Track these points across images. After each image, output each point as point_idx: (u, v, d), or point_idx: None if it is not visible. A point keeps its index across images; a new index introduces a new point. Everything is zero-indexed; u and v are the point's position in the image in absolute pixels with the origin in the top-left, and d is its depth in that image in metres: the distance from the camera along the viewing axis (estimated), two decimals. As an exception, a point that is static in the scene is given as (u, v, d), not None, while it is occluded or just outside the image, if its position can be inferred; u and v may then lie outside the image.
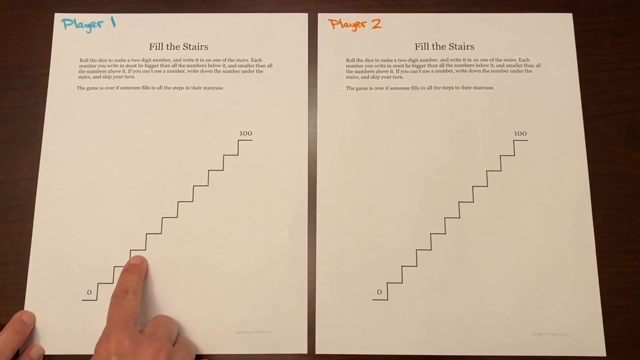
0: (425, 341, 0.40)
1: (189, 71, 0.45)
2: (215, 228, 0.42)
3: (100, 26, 0.46)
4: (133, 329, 0.36)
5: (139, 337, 0.35)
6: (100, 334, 0.39)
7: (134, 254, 0.41)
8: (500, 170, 0.43)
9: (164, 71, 0.45)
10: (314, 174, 0.43)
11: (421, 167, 0.43)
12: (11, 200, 0.43)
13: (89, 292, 0.41)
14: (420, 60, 0.45)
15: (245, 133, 0.44)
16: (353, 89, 0.45)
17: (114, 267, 0.41)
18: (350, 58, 0.45)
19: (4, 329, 0.39)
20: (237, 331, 0.40)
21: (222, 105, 0.44)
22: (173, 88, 0.44)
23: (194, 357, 0.39)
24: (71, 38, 0.46)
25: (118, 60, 0.45)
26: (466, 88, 0.44)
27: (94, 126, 0.44)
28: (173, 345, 0.37)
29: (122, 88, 0.45)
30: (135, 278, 0.39)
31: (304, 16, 0.46)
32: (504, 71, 0.45)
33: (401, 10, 0.46)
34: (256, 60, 0.45)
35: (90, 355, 0.39)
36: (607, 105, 0.44)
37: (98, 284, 0.41)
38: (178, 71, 0.45)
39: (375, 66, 0.45)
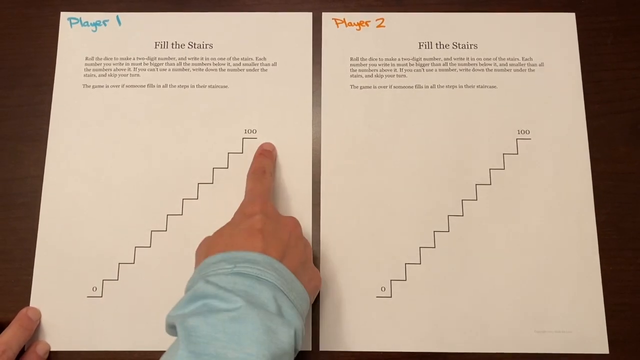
0: (428, 338, 0.40)
1: (194, 70, 0.45)
2: (220, 226, 0.42)
3: (105, 25, 0.46)
4: (273, 204, 0.39)
5: (277, 211, 0.38)
6: (105, 331, 0.40)
7: (138, 251, 0.42)
8: (504, 169, 0.43)
9: (169, 69, 0.45)
10: (318, 171, 0.43)
11: (425, 165, 0.43)
12: (17, 197, 0.43)
13: (94, 289, 0.41)
14: (424, 59, 0.45)
15: (249, 131, 0.44)
16: (357, 87, 0.45)
17: (119, 264, 0.41)
18: (354, 57, 0.45)
19: (11, 324, 0.39)
20: (242, 328, 0.41)
21: (227, 103, 0.44)
22: (178, 86, 0.45)
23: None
24: (77, 36, 0.46)
25: (123, 59, 0.45)
26: (469, 87, 0.45)
27: (100, 124, 0.44)
28: None
29: (127, 86, 0.45)
30: (269, 162, 0.41)
31: (308, 15, 0.46)
32: (507, 70, 0.45)
33: (405, 10, 0.46)
34: (261, 59, 0.45)
35: (96, 352, 0.40)
36: (609, 104, 0.44)
37: (103, 280, 0.41)
38: (183, 69, 0.45)
39: (379, 65, 0.45)
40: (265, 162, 0.41)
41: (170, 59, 0.45)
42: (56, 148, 0.44)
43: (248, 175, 0.40)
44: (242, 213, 0.37)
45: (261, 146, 0.43)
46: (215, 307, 0.30)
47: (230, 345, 0.29)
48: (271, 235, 0.34)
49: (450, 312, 0.41)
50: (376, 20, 0.46)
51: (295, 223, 0.37)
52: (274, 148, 0.43)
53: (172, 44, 0.46)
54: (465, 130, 0.44)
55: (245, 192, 0.39)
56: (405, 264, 0.42)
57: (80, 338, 0.40)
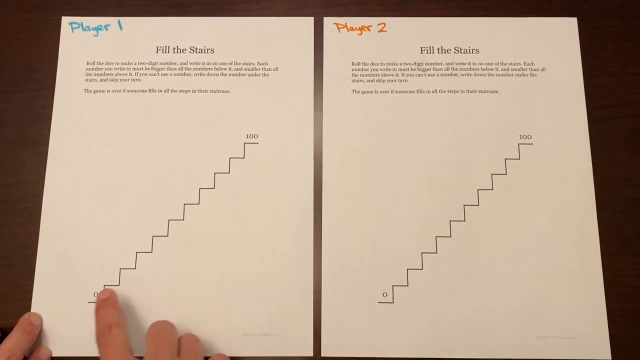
0: (430, 343, 0.40)
1: (195, 74, 0.45)
2: (221, 230, 0.42)
3: (107, 29, 0.46)
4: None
5: None
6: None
7: (140, 256, 0.42)
8: (506, 174, 0.43)
9: (171, 74, 0.45)
10: (320, 176, 0.43)
11: (426, 170, 0.43)
12: (18, 202, 0.43)
13: (96, 294, 0.41)
14: (426, 64, 0.45)
15: (251, 136, 0.44)
16: (358, 92, 0.45)
17: (120, 269, 0.41)
18: (356, 62, 0.45)
19: (14, 330, 0.39)
20: (243, 333, 0.41)
21: (228, 108, 0.44)
22: (179, 91, 0.45)
23: (201, 351, 0.39)
24: (78, 41, 0.46)
25: (125, 64, 0.45)
26: (471, 92, 0.45)
27: (101, 129, 0.44)
28: (178, 347, 0.37)
29: (128, 91, 0.45)
30: (111, 311, 0.38)
31: (310, 20, 0.46)
32: (509, 75, 0.45)
33: (406, 15, 0.46)
34: (262, 64, 0.45)
35: (97, 358, 0.40)
36: (611, 109, 0.44)
37: (104, 286, 0.41)
38: (185, 74, 0.45)
39: (381, 70, 0.45)
40: (107, 316, 0.38)
41: (172, 63, 0.45)
42: (57, 153, 0.43)
43: (96, 340, 0.37)
44: None
45: (97, 298, 0.40)
46: None
47: None
48: None
49: (452, 317, 0.41)
50: (377, 25, 0.46)
51: None
52: (112, 292, 0.40)
53: (174, 48, 0.46)
54: (467, 135, 0.44)
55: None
56: (407, 269, 0.41)
57: (82, 343, 0.40)
